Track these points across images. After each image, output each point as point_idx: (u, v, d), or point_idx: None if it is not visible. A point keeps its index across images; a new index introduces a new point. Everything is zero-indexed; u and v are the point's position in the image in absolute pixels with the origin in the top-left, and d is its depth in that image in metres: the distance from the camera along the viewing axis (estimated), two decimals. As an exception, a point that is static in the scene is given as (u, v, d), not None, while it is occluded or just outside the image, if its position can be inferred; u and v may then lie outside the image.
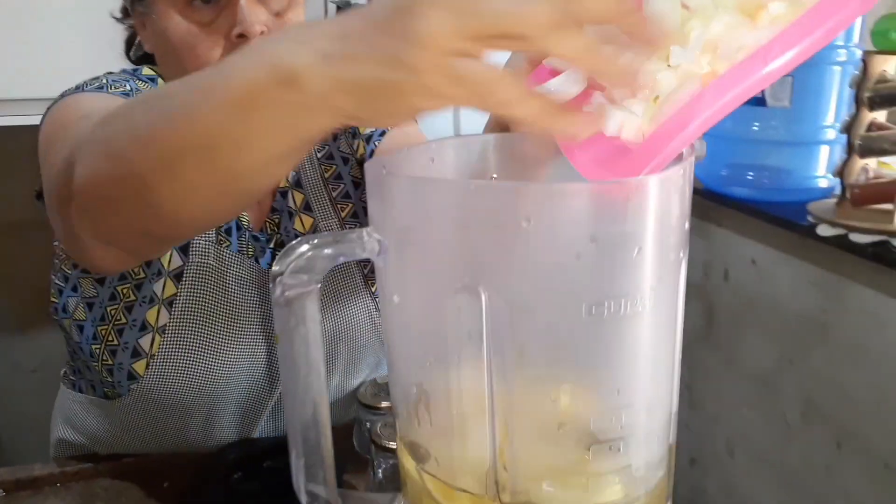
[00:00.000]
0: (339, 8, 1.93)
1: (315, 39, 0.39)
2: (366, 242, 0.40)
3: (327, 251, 0.39)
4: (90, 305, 0.84)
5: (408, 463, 0.45)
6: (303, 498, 0.44)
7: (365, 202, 0.88)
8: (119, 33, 0.86)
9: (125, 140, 0.50)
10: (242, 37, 0.72)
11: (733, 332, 1.79)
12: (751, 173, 1.72)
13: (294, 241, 0.40)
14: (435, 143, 0.50)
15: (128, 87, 0.81)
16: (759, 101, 1.65)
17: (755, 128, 1.68)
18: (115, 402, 0.86)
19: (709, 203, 1.82)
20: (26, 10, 1.76)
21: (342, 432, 0.98)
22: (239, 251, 0.84)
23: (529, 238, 0.35)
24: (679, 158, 0.38)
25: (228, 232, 0.83)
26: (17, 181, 2.03)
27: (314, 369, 0.40)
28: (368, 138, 0.89)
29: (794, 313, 1.57)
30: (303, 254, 0.39)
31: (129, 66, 0.89)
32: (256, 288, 0.84)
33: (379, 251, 0.40)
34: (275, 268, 0.40)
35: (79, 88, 0.79)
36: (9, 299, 2.24)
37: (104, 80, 0.81)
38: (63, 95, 0.78)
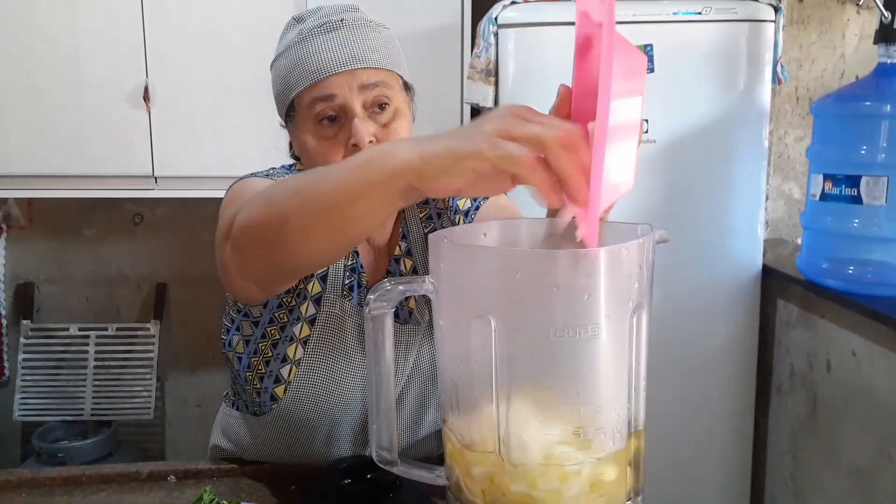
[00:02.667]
0: (473, 112, 2.19)
1: (413, 140, 0.63)
2: (425, 284, 0.61)
3: (400, 287, 0.61)
4: (247, 342, 1.10)
5: (446, 441, 0.64)
6: (374, 456, 0.64)
7: None
8: (284, 136, 1.13)
9: (281, 195, 0.77)
10: (356, 146, 0.98)
11: (835, 424, 1.78)
12: (851, 267, 1.74)
13: (381, 281, 0.62)
14: (488, 223, 0.71)
15: (286, 177, 1.09)
16: (855, 199, 1.70)
17: (855, 224, 1.71)
18: (260, 419, 1.10)
19: (810, 295, 1.86)
20: (222, 111, 2.18)
21: (438, 461, 1.15)
22: (358, 304, 1.07)
23: (519, 284, 0.55)
24: (633, 236, 0.57)
25: (352, 289, 1.07)
26: (198, 243, 2.43)
27: (387, 364, 0.62)
28: (466, 213, 1.12)
29: (891, 407, 1.58)
30: (385, 287, 0.61)
31: (288, 161, 1.17)
32: None
33: (433, 290, 0.61)
34: (368, 296, 0.62)
35: (253, 175, 1.07)
36: (185, 343, 2.61)
37: (270, 171, 1.10)
38: (242, 178, 1.06)
